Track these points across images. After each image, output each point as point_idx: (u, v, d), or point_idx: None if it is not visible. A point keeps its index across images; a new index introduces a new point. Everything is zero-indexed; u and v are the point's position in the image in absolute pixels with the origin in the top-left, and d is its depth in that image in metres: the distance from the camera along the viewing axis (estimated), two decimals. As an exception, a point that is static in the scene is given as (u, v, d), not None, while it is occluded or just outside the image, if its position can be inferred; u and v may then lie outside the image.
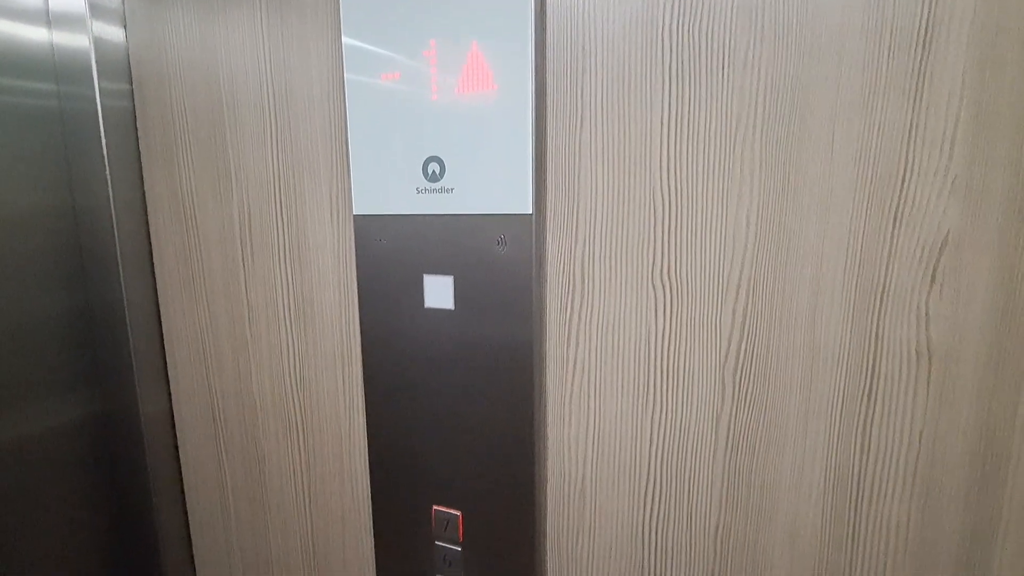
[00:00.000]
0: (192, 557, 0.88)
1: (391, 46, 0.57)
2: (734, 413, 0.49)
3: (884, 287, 0.43)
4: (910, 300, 0.42)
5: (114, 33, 0.84)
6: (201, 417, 0.84)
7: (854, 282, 0.43)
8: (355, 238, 0.62)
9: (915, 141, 0.40)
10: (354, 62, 0.60)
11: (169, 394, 0.88)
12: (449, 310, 0.56)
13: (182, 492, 0.88)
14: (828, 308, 0.44)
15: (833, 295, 0.44)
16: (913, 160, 0.41)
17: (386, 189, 0.59)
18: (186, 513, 0.89)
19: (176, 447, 0.87)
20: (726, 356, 0.48)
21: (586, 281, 0.53)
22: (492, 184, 0.53)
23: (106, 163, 0.83)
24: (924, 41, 0.39)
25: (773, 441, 0.48)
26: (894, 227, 0.42)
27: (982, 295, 0.40)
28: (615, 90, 0.49)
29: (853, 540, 0.47)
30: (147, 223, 0.86)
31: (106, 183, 0.83)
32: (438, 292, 0.57)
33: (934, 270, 0.41)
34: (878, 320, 0.43)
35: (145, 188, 0.86)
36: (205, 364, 0.83)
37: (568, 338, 0.54)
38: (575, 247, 0.52)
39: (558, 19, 0.50)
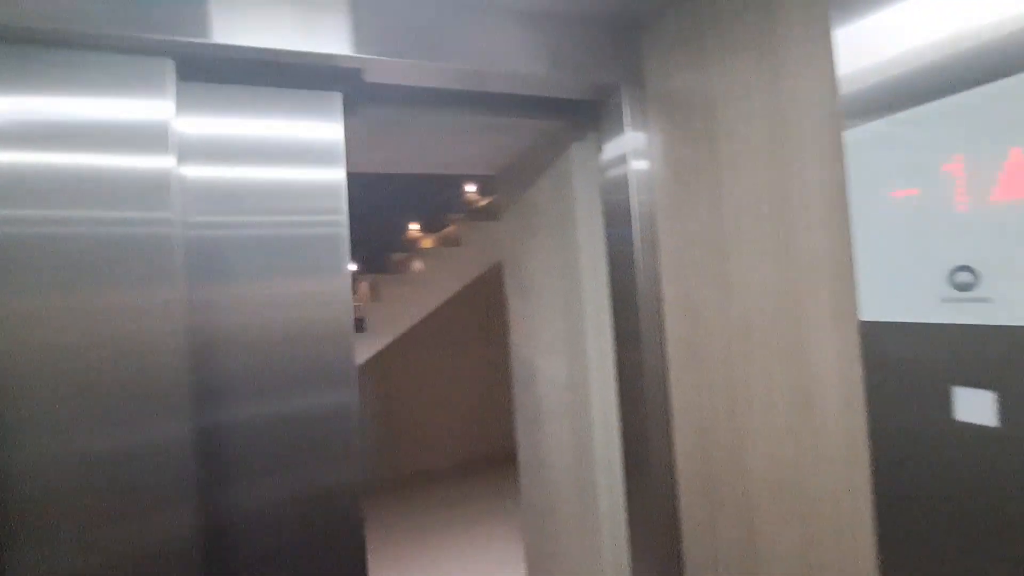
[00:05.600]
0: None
1: (904, 166, 0.60)
2: None
3: None
4: None
5: (641, 165, 1.19)
6: (697, 476, 1.02)
7: None
8: (862, 343, 0.64)
9: None
10: (860, 181, 0.65)
11: (671, 449, 1.10)
12: (990, 427, 0.53)
13: (679, 540, 1.09)
14: None
15: None
16: None
17: (899, 297, 0.60)
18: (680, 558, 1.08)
19: (675, 496, 1.10)
20: None
21: None
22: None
23: (636, 272, 1.16)
24: None
25: None
26: None
27: None
28: None
29: None
30: (661, 315, 1.13)
31: (634, 286, 1.17)
32: (973, 406, 0.54)
33: None
34: None
35: (663, 289, 1.12)
36: (704, 433, 1.00)
37: None
38: None
39: None
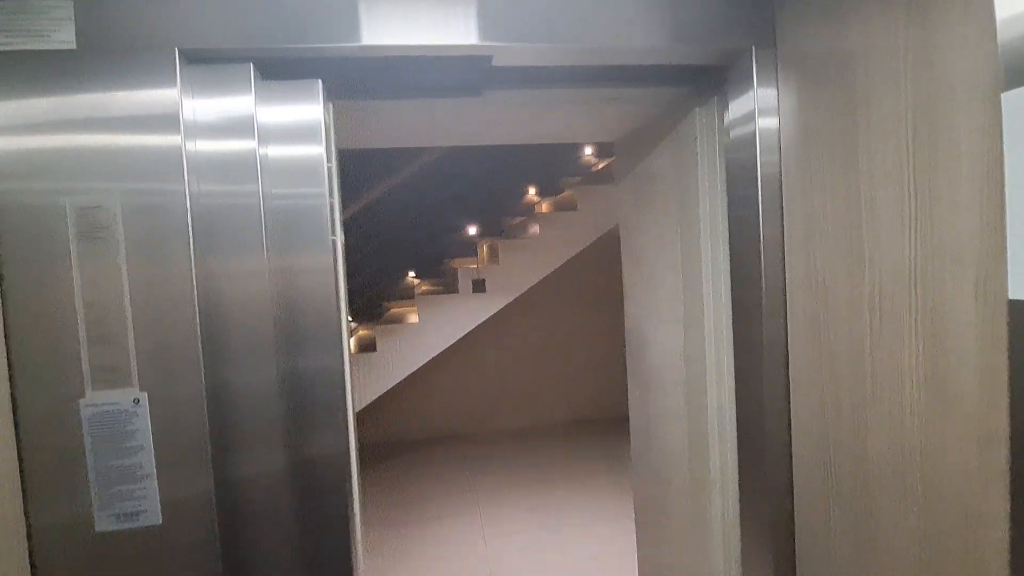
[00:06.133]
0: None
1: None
2: None
3: None
4: None
5: (769, 124, 1.19)
6: (813, 455, 1.03)
7: None
8: (1009, 324, 0.62)
9: None
10: (1018, 150, 0.61)
11: (788, 426, 1.12)
12: None
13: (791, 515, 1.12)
14: None
15: None
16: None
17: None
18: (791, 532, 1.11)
19: (789, 472, 1.12)
20: None
21: None
22: None
23: (759, 238, 1.17)
24: None
25: None
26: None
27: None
28: None
29: None
30: (783, 286, 1.13)
31: (756, 254, 1.18)
32: None
33: None
34: None
35: (786, 258, 1.12)
36: (823, 412, 1.00)
37: None
38: None
39: None
